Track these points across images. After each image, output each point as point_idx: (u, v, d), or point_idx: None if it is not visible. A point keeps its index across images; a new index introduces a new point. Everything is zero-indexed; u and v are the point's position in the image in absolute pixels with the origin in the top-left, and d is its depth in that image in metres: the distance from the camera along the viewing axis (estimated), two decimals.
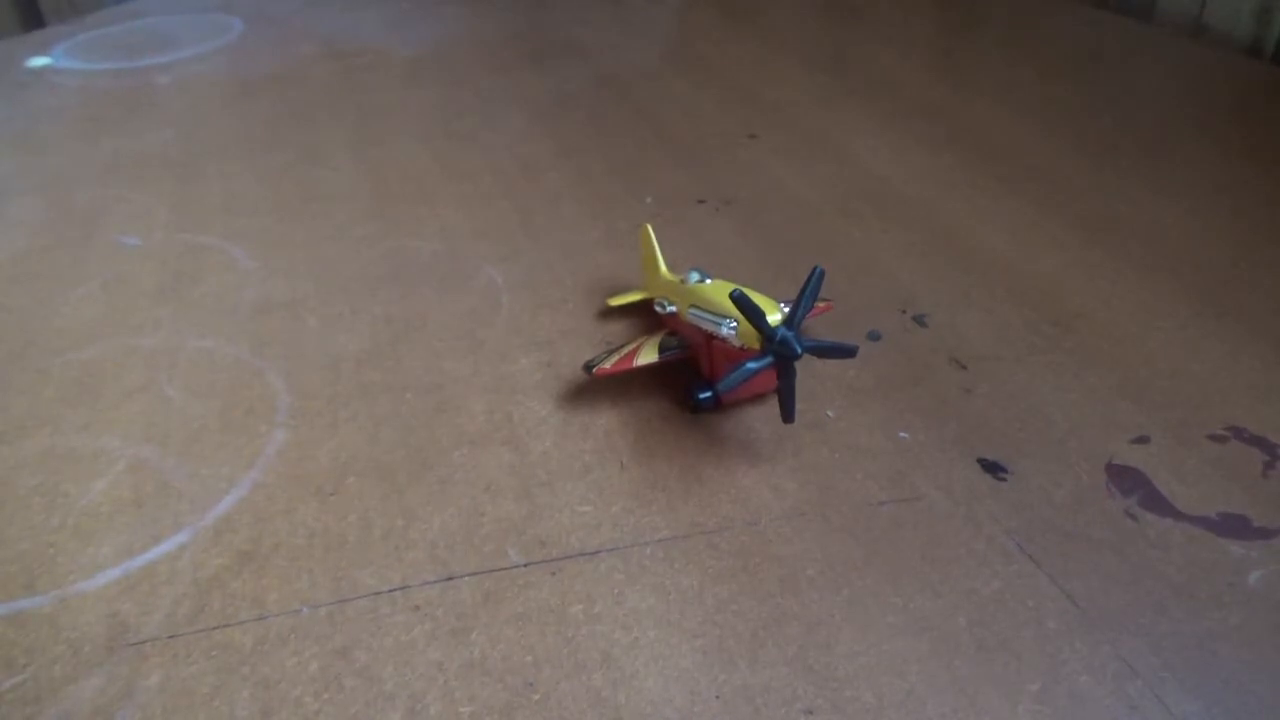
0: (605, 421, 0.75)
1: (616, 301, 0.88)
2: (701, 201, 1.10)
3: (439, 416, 0.76)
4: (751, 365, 0.65)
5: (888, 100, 1.40)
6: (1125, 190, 1.10)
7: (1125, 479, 0.68)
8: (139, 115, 1.47)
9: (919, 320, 0.86)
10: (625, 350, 0.77)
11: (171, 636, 0.58)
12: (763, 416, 0.74)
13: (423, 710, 0.53)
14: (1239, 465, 0.69)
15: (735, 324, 0.68)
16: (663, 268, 0.85)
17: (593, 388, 0.79)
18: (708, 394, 0.74)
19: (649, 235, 0.86)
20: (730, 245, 1.01)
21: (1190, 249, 0.97)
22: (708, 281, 0.76)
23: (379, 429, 0.75)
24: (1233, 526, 0.63)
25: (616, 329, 0.87)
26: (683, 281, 0.79)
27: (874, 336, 0.84)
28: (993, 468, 0.69)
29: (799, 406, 0.69)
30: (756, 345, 0.66)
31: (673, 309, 0.78)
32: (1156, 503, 0.65)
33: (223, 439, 0.75)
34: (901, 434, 0.72)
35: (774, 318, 0.66)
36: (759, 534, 0.64)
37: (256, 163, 1.27)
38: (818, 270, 0.67)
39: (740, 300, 0.65)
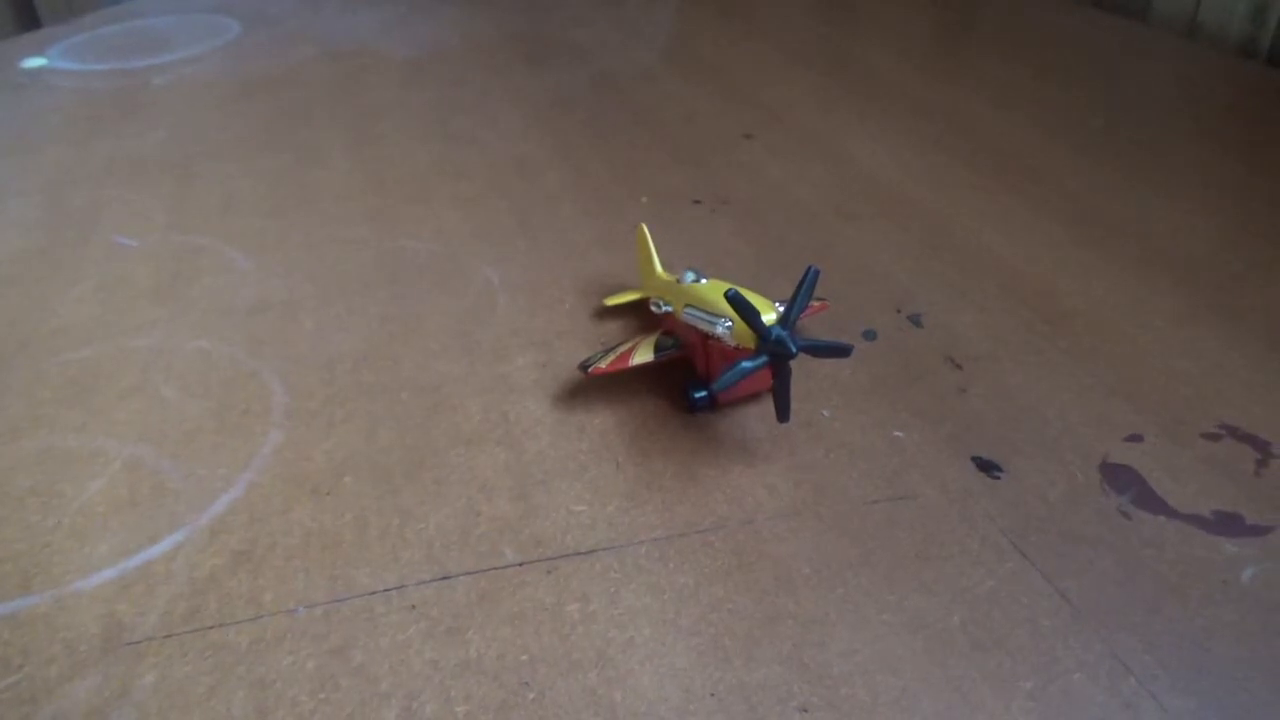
0: (601, 421, 0.75)
1: (613, 301, 0.89)
2: (698, 201, 1.11)
3: (435, 416, 0.76)
4: (747, 365, 0.65)
5: (884, 100, 1.40)
6: (1120, 189, 1.10)
7: (1119, 477, 0.68)
8: (135, 116, 1.47)
9: (914, 320, 0.86)
10: (621, 350, 0.77)
11: (167, 636, 0.58)
12: (758, 416, 0.75)
13: (418, 709, 0.53)
14: (1232, 463, 0.69)
15: (731, 323, 0.68)
16: (658, 268, 0.85)
17: (588, 387, 0.79)
18: (703, 393, 0.74)
19: (645, 235, 0.86)
20: (726, 245, 1.01)
21: (1184, 248, 0.97)
22: (703, 281, 0.76)
23: (375, 429, 0.75)
24: (1226, 524, 0.64)
25: (612, 329, 0.87)
26: (678, 281, 0.79)
27: (869, 336, 0.84)
28: (987, 466, 0.69)
29: (794, 406, 0.69)
30: (752, 345, 0.66)
31: (668, 309, 0.78)
32: (1150, 501, 0.66)
33: (219, 439, 0.75)
34: (896, 433, 0.73)
35: (769, 317, 0.66)
36: (754, 533, 0.64)
37: (253, 164, 1.27)
38: (813, 270, 0.67)
39: (735, 300, 0.65)
